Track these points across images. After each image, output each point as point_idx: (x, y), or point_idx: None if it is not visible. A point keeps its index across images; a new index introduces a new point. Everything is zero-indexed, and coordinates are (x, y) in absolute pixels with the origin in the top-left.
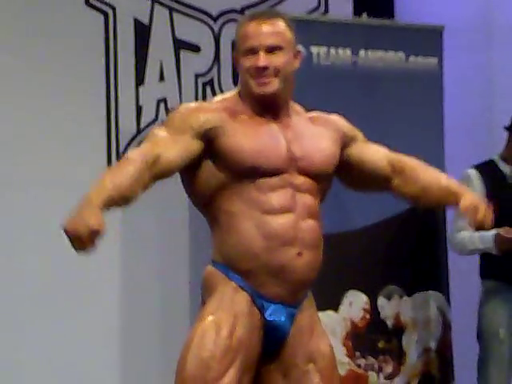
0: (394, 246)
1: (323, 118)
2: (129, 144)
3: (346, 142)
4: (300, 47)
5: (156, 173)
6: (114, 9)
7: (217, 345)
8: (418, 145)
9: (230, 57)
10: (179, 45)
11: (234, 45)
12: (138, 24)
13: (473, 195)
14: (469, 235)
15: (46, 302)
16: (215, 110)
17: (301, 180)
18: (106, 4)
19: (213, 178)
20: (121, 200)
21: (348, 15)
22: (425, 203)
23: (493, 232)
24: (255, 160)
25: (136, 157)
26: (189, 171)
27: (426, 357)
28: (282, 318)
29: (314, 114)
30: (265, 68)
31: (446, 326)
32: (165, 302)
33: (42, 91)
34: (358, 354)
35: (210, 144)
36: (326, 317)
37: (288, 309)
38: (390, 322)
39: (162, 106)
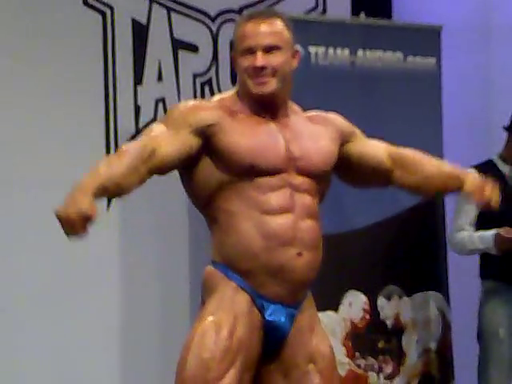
0: (394, 247)
1: (321, 116)
2: None
3: (344, 139)
4: (298, 47)
5: (152, 166)
6: (111, 9)
7: (217, 345)
8: (416, 145)
9: (228, 57)
10: (177, 45)
11: (232, 45)
12: (136, 24)
13: (476, 176)
14: (468, 235)
15: (45, 301)
16: (213, 107)
17: (299, 180)
18: (104, 4)
19: (212, 177)
20: (114, 189)
21: (346, 15)
22: (428, 192)
23: (493, 232)
24: (253, 158)
25: (131, 149)
26: (188, 170)
27: (425, 357)
28: (282, 319)
29: (312, 112)
30: (262, 68)
31: (446, 327)
32: (165, 301)
33: (41, 91)
34: (357, 354)
35: (207, 141)
36: (326, 317)
37: (288, 309)
38: (389, 323)
39: (160, 105)
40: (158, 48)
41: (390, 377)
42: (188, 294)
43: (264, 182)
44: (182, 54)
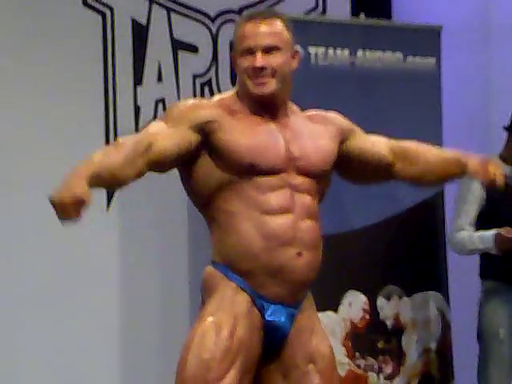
0: (394, 247)
1: (321, 115)
2: None
3: (344, 137)
4: (298, 47)
5: (149, 159)
6: (111, 9)
7: (217, 345)
8: None
9: (228, 57)
10: (177, 45)
11: (231, 45)
12: (135, 24)
13: (479, 156)
14: (468, 235)
15: (45, 301)
16: (213, 106)
17: (299, 180)
18: (104, 4)
19: (211, 176)
20: (109, 178)
21: (346, 15)
22: (430, 180)
23: (493, 232)
24: (253, 158)
25: (128, 141)
26: (187, 168)
27: (425, 357)
28: (282, 319)
29: (311, 112)
30: (262, 68)
31: (446, 327)
32: (165, 302)
33: (40, 92)
34: (357, 354)
35: (207, 138)
36: (326, 317)
37: (288, 309)
38: (389, 323)
39: (160, 106)
40: (158, 48)
41: (389, 377)
42: (188, 294)
43: (264, 182)
44: (181, 54)
